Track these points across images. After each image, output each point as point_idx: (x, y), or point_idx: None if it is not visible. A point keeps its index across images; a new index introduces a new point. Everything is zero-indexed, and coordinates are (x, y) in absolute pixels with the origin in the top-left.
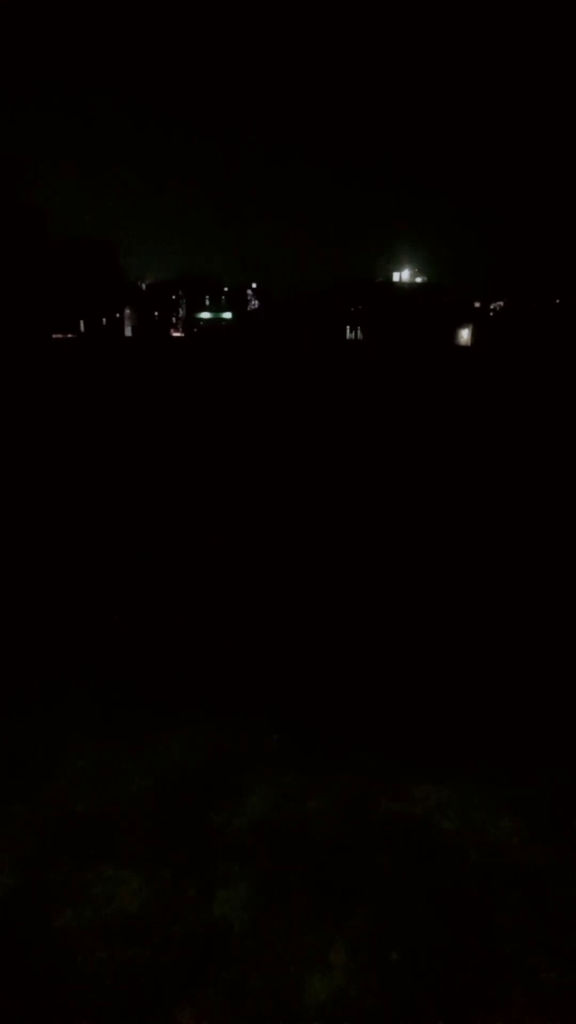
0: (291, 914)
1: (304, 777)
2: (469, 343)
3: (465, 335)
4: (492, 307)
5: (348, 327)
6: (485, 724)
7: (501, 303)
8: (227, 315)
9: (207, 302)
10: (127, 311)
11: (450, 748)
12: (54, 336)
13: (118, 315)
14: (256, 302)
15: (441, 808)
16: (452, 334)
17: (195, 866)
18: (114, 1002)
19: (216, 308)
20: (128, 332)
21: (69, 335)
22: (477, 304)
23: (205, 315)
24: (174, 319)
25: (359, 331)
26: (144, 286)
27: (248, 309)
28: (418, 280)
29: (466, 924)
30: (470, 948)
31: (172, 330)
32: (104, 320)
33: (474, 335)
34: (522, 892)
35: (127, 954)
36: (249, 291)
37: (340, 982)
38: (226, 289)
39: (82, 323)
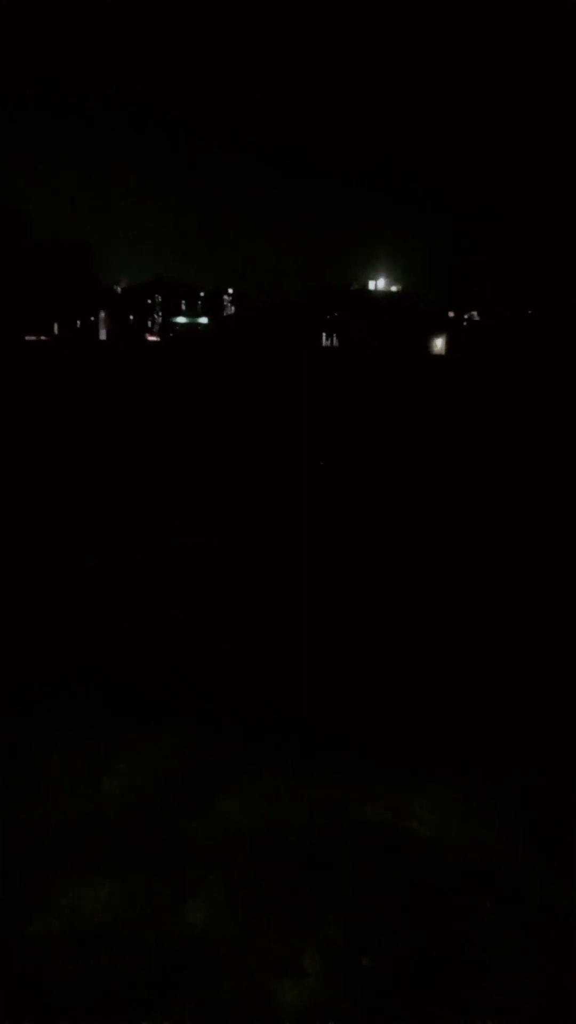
0: (264, 921)
1: (279, 782)
2: (443, 352)
3: (439, 344)
4: (466, 317)
5: (324, 334)
6: (459, 728)
7: (475, 313)
8: (203, 320)
9: (183, 307)
10: (102, 314)
11: (424, 752)
12: (27, 338)
13: (92, 318)
14: (232, 307)
15: (415, 813)
16: (426, 343)
17: (168, 873)
18: (85, 1012)
19: (192, 313)
20: (103, 335)
21: (42, 337)
22: (451, 314)
23: (181, 320)
24: (150, 323)
25: (335, 338)
26: (119, 289)
27: (224, 314)
28: (393, 289)
29: (439, 929)
30: (443, 953)
31: (148, 334)
32: (78, 323)
33: (448, 344)
34: (496, 897)
35: (98, 963)
36: (226, 296)
37: (313, 989)
38: (202, 294)
39: (56, 325)
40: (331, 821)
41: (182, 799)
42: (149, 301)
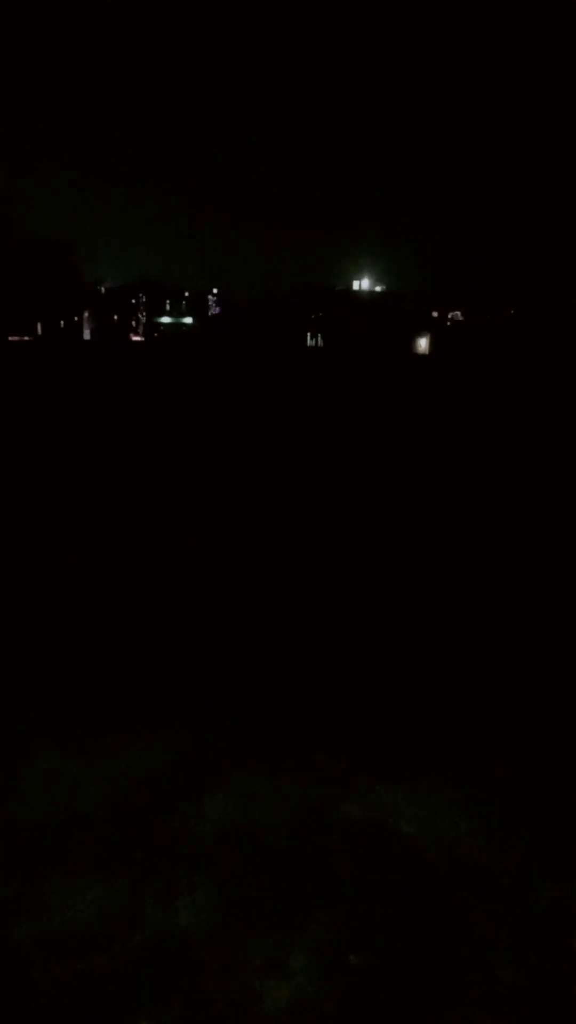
0: (251, 921)
1: (265, 782)
2: (427, 351)
3: (423, 344)
4: (449, 317)
5: (309, 334)
6: (442, 725)
7: (458, 313)
8: (188, 320)
9: (168, 307)
10: (86, 314)
11: (414, 750)
12: (10, 338)
13: (76, 318)
14: (217, 308)
15: (400, 811)
16: (410, 342)
17: (154, 875)
18: (73, 1015)
19: (177, 313)
20: (87, 335)
21: (26, 338)
22: (435, 314)
23: (165, 320)
24: (134, 323)
25: (319, 338)
26: (103, 290)
27: (209, 314)
28: (377, 289)
29: (425, 927)
30: (429, 950)
31: (132, 334)
32: (62, 323)
33: (432, 344)
34: (481, 894)
35: (85, 965)
36: (210, 296)
37: (300, 988)
38: (187, 294)
39: (39, 326)
40: (317, 820)
41: (169, 799)
42: (133, 301)
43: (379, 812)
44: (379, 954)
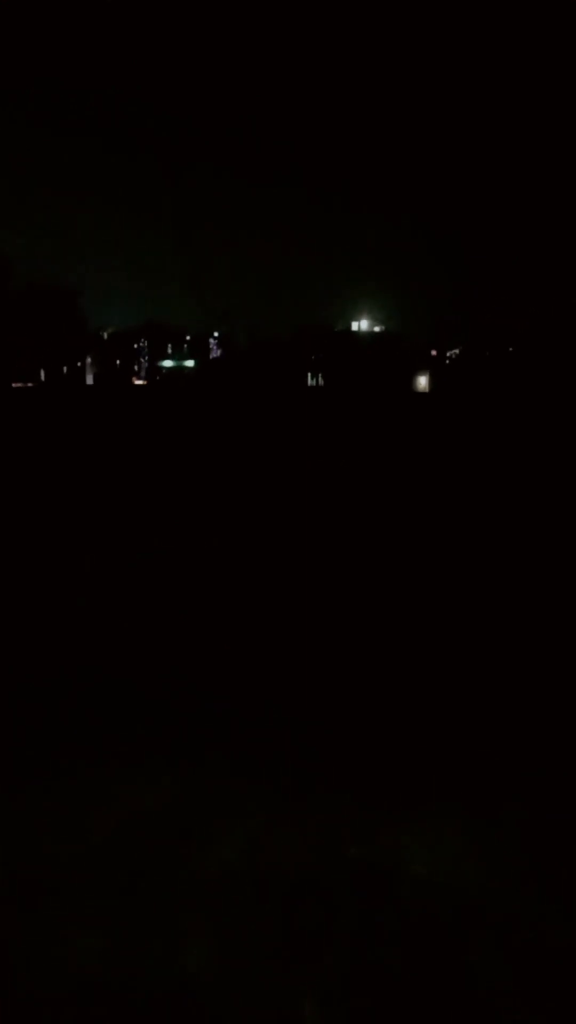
0: (260, 967)
1: (273, 821)
2: (427, 389)
3: (423, 382)
4: (448, 355)
5: (310, 374)
6: (452, 762)
7: (456, 351)
8: (190, 363)
9: (169, 350)
10: (88, 360)
11: (416, 783)
12: (14, 385)
13: (79, 364)
14: (219, 350)
15: (410, 851)
16: (410, 381)
17: (160, 918)
18: None
19: (179, 356)
20: (90, 380)
21: (29, 384)
22: (434, 352)
23: (168, 363)
24: (136, 367)
25: (320, 378)
26: (106, 335)
27: (211, 357)
28: (376, 329)
29: (437, 969)
30: (442, 993)
31: (134, 378)
32: (65, 369)
33: (431, 382)
34: (493, 935)
35: (89, 1015)
36: (211, 340)
37: None
38: (188, 338)
39: (43, 372)
40: (326, 861)
41: (169, 839)
42: (136, 345)
43: (387, 853)
44: (392, 998)
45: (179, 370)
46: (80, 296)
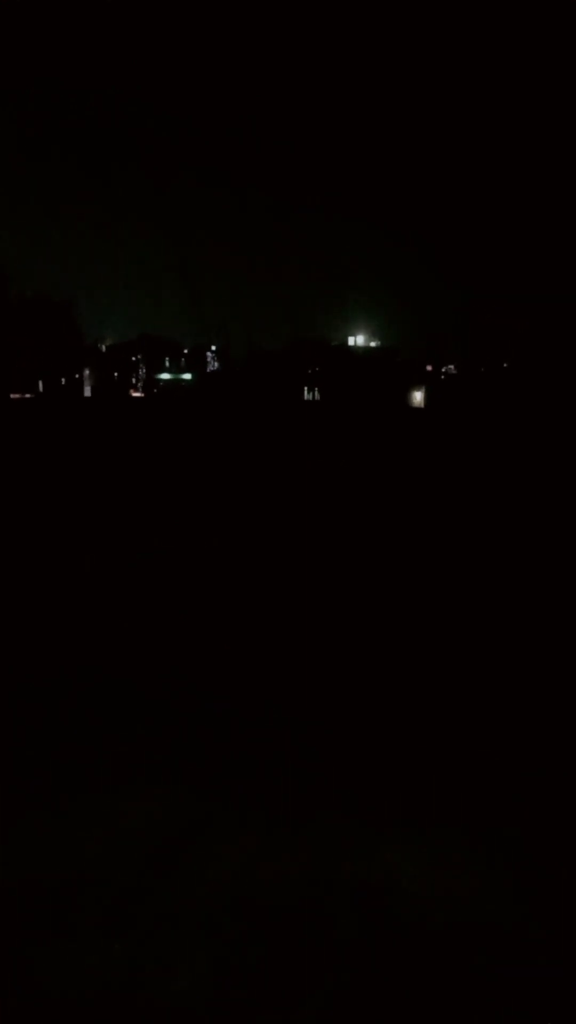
0: (253, 987)
1: (267, 841)
2: (423, 404)
3: (419, 397)
4: (443, 370)
5: (306, 388)
6: (444, 782)
7: (451, 366)
8: (187, 376)
9: (167, 363)
10: (86, 372)
11: (411, 801)
12: (12, 396)
13: (77, 376)
14: (216, 363)
15: (404, 869)
16: (406, 396)
17: (154, 939)
18: None
19: (176, 369)
20: (87, 392)
21: (27, 395)
22: (429, 368)
23: (165, 376)
24: (134, 380)
25: (316, 392)
26: (104, 347)
27: (208, 370)
28: (372, 344)
29: (433, 987)
30: (438, 1011)
31: (132, 391)
32: (63, 380)
33: (427, 397)
34: (488, 952)
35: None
36: (208, 353)
37: None
38: (185, 351)
39: (41, 383)
40: (320, 880)
41: (168, 858)
42: (133, 358)
43: (382, 872)
44: (388, 1017)
45: (176, 383)
46: (74, 308)
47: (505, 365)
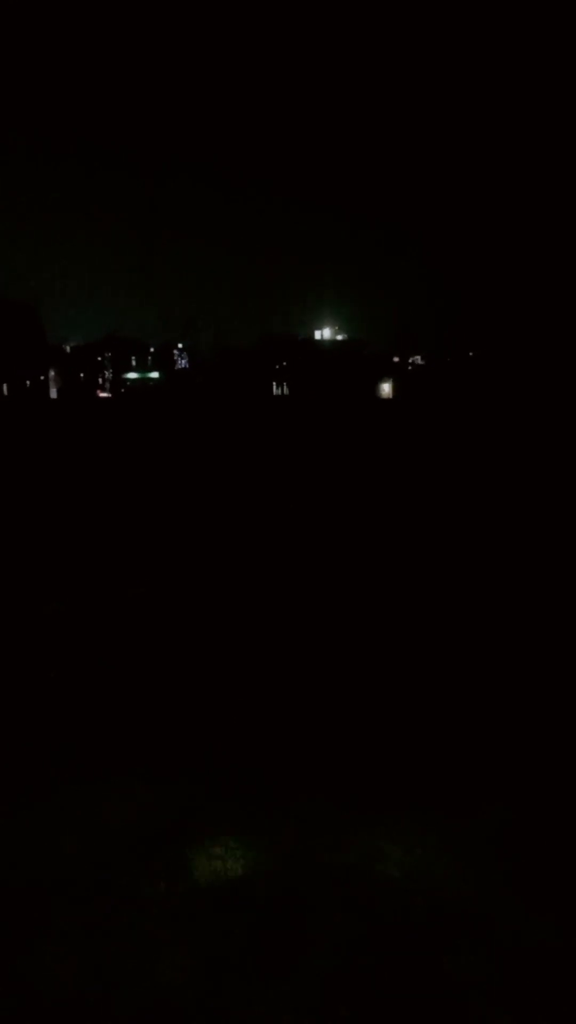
0: (236, 980)
1: (244, 834)
2: (391, 396)
3: (387, 388)
4: (411, 361)
5: (275, 383)
6: (421, 764)
7: (418, 357)
8: (154, 375)
9: (134, 362)
10: (52, 373)
11: (391, 787)
12: None
13: (42, 377)
14: (183, 361)
15: (383, 855)
16: (374, 388)
17: (134, 936)
18: None
19: (143, 368)
20: (53, 394)
21: None
22: (396, 359)
23: (132, 375)
24: (101, 380)
25: (284, 387)
26: (69, 348)
27: (175, 368)
28: (339, 337)
29: (414, 971)
30: (420, 995)
31: (99, 391)
32: (28, 383)
33: (395, 388)
34: (468, 935)
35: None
36: (175, 351)
37: None
38: (152, 349)
39: (4, 386)
40: (299, 870)
41: (147, 852)
42: (99, 358)
43: (363, 857)
44: (370, 1002)
45: (144, 382)
46: (38, 310)
47: (471, 354)
